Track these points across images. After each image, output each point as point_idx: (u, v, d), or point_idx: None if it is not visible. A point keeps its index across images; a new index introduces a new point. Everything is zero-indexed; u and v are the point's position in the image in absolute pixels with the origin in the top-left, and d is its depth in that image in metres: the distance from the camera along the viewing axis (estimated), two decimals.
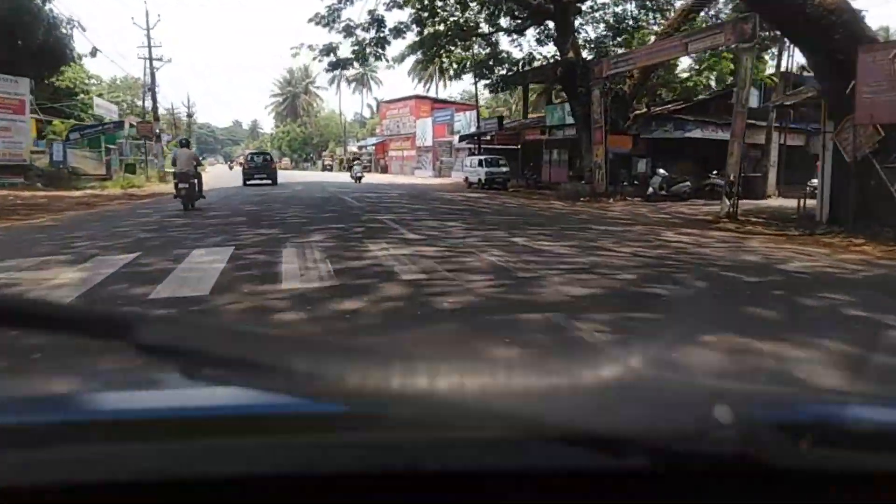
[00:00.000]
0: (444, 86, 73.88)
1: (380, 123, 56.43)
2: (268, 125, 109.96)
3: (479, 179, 28.41)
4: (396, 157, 53.34)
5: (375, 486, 0.58)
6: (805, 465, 0.56)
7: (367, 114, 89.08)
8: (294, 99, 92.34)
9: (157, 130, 26.83)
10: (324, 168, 71.34)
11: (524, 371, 0.56)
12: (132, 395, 0.81)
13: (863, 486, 0.60)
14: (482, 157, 28.99)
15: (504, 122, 32.41)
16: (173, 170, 14.63)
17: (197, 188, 13.76)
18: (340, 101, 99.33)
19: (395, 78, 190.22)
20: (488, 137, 34.65)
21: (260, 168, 29.28)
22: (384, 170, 54.74)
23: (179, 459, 0.57)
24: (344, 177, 41.11)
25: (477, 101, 37.05)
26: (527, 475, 0.59)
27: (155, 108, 26.94)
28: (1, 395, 0.83)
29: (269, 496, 0.58)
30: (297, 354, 0.53)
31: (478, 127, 36.87)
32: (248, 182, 28.10)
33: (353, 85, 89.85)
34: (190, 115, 57.32)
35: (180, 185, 13.52)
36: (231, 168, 51.66)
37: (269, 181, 28.23)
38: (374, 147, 59.78)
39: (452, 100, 51.11)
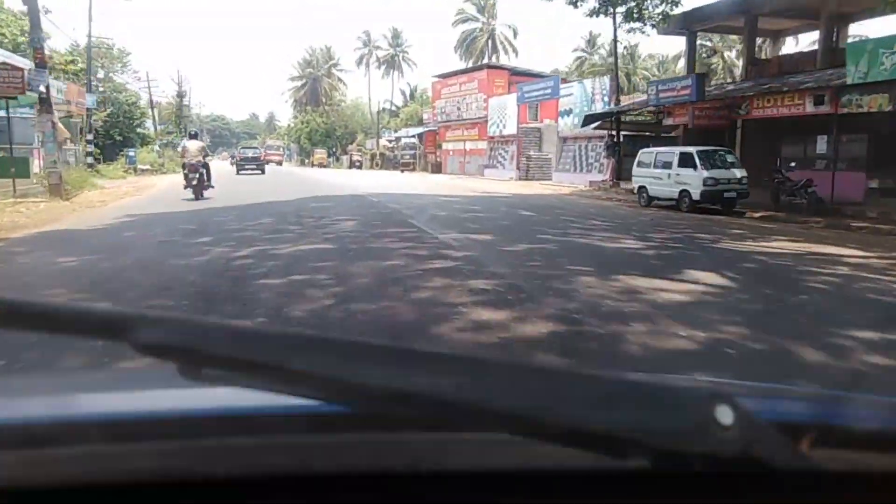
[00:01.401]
0: (498, 60, 59.70)
1: (431, 107, 42.39)
2: (285, 116, 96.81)
3: (687, 194, 14.39)
4: (455, 151, 39.38)
5: (375, 486, 0.58)
6: (806, 465, 0.56)
7: (398, 101, 75.58)
8: (315, 83, 78.76)
9: (42, 88, 13.02)
10: (352, 165, 57.80)
11: (525, 371, 0.55)
12: (132, 395, 0.82)
13: (863, 486, 0.60)
14: (693, 151, 14.86)
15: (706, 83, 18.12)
16: (183, 161, 14.71)
17: (206, 178, 14.43)
18: (370, 84, 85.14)
19: (434, 60, 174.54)
20: (644, 117, 20.65)
21: (250, 160, 33.04)
22: (436, 169, 40.80)
23: (179, 459, 0.57)
24: (395, 181, 27.37)
25: (616, 59, 22.91)
26: (527, 475, 0.59)
27: (39, 48, 13.10)
28: (1, 395, 0.84)
29: (270, 496, 0.58)
30: (297, 354, 0.52)
31: (616, 101, 22.75)
32: (240, 172, 31.28)
33: (382, 68, 76.26)
34: (181, 96, 43.90)
35: (190, 176, 14.14)
36: (232, 164, 41.76)
37: (259, 171, 31.74)
38: (417, 139, 46.09)
39: (538, 72, 37.00)
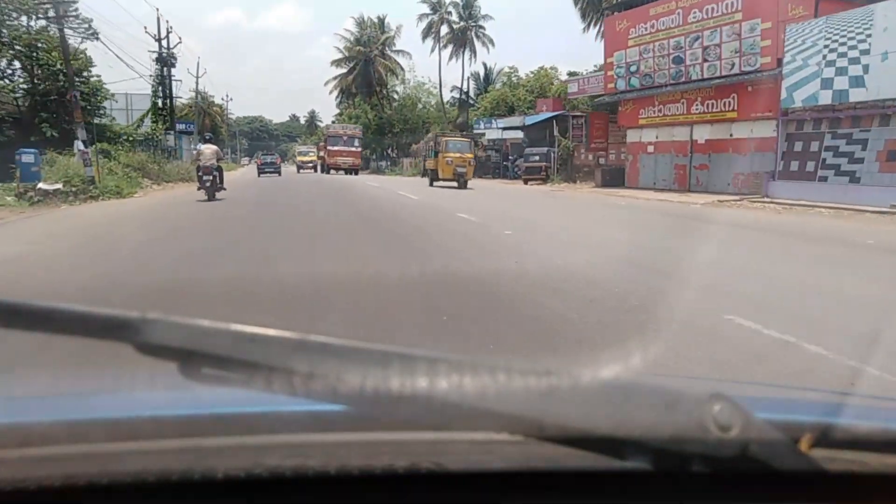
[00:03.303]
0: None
1: (606, 64, 23.29)
2: (329, 114, 79.25)
3: None
4: (661, 144, 20.64)
5: (376, 486, 0.58)
6: (805, 465, 0.56)
7: (468, 88, 57.51)
8: (367, 66, 60.92)
9: None
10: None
11: (524, 372, 0.54)
12: (132, 395, 0.82)
13: (862, 486, 0.60)
14: None
15: None
16: (198, 164, 15.00)
17: (219, 180, 14.54)
18: (440, 63, 65.62)
19: (514, 35, 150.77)
20: None
21: (269, 164, 35.57)
22: (612, 178, 22.19)
23: (179, 459, 0.58)
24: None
25: None
26: (527, 475, 0.59)
27: None
28: (1, 395, 0.84)
29: (269, 496, 0.58)
30: (296, 354, 0.53)
31: None
32: (261, 175, 33.56)
33: (448, 49, 57.93)
34: (164, 62, 26.07)
35: (204, 178, 14.26)
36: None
37: (276, 173, 34.35)
38: (523, 132, 27.55)
39: None
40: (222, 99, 70.07)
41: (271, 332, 0.53)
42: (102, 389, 0.89)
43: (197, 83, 37.54)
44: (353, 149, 40.79)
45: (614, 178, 22.38)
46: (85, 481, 0.56)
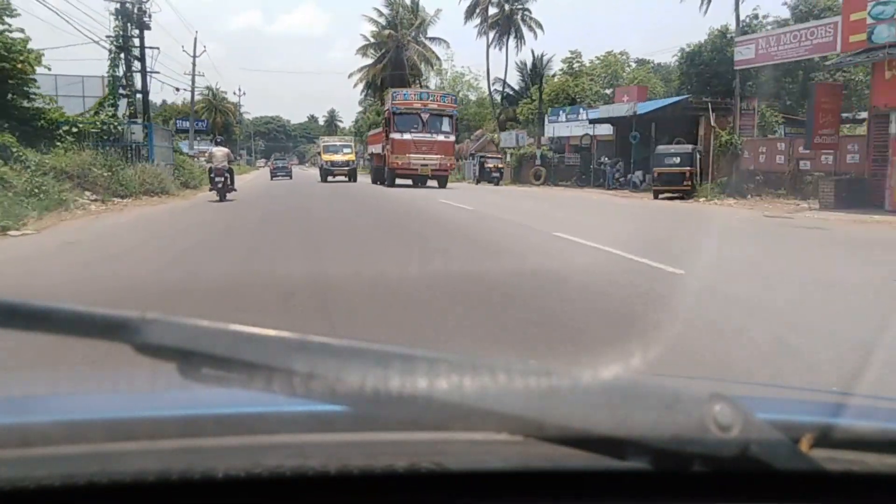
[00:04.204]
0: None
1: (845, 4, 14.29)
2: (350, 114, 70.55)
3: None
4: None
5: (376, 486, 0.59)
6: (805, 465, 0.56)
7: (513, 80, 48.99)
8: (398, 54, 52.21)
9: None
10: (482, 175, 31.18)
11: (524, 372, 0.54)
12: (132, 396, 0.83)
13: (862, 486, 0.60)
14: None
15: None
16: (210, 165, 15.27)
17: (230, 182, 14.96)
18: (488, 49, 55.94)
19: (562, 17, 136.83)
20: None
21: (280, 169, 38.45)
22: (848, 196, 13.08)
23: (179, 459, 0.58)
24: None
25: None
26: (527, 475, 0.60)
27: None
28: (1, 395, 0.84)
29: (270, 496, 0.59)
30: (296, 355, 0.53)
31: None
32: (273, 178, 35.19)
33: (491, 35, 48.95)
34: (140, 23, 17.34)
35: (216, 179, 14.72)
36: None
37: (287, 177, 35.86)
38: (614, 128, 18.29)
39: None
40: (234, 94, 61.87)
41: (271, 332, 0.53)
42: (102, 389, 0.88)
43: (194, 64, 28.88)
44: (441, 138, 22.17)
45: (853, 194, 13.33)
46: (85, 481, 0.55)
